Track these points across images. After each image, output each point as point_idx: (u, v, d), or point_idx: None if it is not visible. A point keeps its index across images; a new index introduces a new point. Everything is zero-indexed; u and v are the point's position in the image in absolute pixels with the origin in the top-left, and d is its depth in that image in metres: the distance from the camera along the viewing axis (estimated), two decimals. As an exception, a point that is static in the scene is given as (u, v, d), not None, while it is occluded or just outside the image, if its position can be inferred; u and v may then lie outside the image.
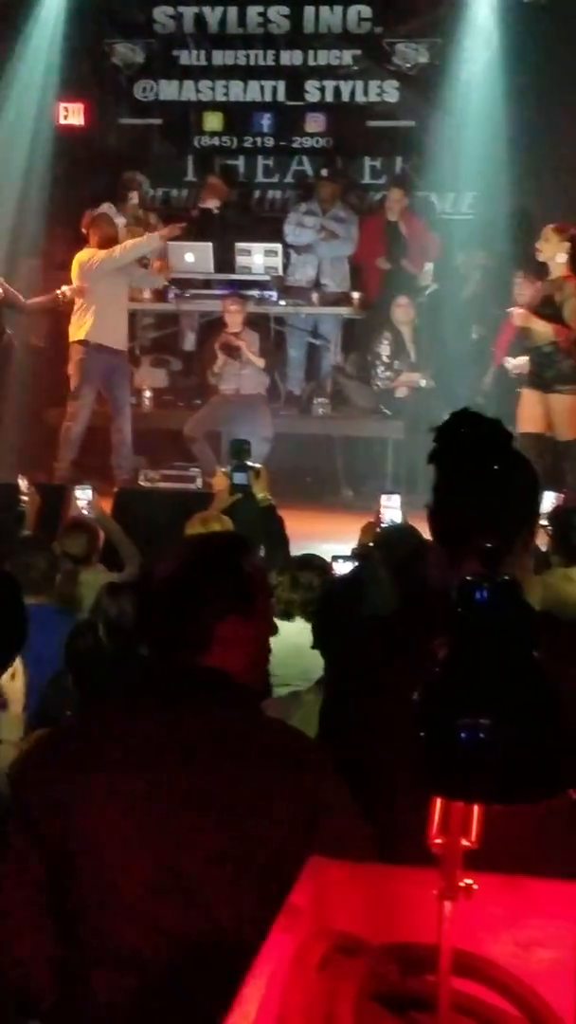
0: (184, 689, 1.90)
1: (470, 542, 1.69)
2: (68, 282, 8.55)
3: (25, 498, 5.87)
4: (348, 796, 1.84)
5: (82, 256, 8.60)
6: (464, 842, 1.22)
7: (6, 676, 3.20)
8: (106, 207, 9.45)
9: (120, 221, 9.75)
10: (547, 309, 7.26)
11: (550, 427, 7.54)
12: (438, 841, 1.22)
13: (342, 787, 1.84)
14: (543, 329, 7.19)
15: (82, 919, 1.81)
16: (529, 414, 7.57)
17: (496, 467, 1.89)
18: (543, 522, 4.96)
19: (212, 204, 10.20)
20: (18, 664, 3.36)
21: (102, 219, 8.87)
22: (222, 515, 5.09)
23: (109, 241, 8.65)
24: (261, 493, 5.78)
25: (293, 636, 3.81)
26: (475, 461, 1.89)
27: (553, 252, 7.15)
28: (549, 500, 5.19)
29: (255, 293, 9.55)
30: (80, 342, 8.53)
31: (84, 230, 8.86)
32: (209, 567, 1.99)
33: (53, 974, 1.82)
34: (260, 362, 9.14)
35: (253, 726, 1.93)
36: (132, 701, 1.96)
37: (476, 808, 1.22)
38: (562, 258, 7.13)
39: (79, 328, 8.54)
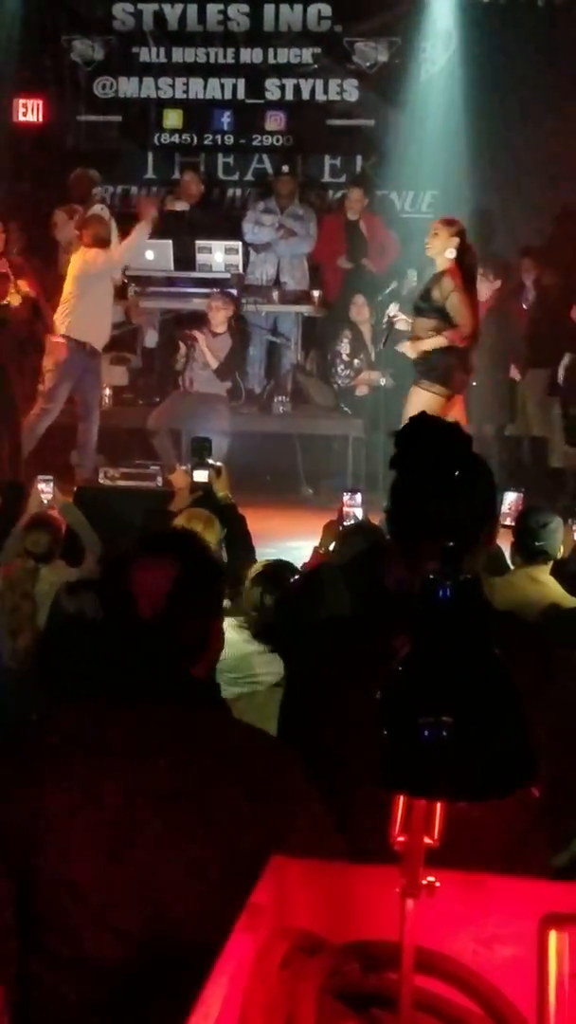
0: (151, 690, 1.88)
1: (431, 543, 1.71)
2: (24, 282, 8.38)
3: None
4: (318, 798, 1.83)
5: (86, 256, 8.48)
6: (426, 840, 1.22)
7: None
8: (99, 208, 9.39)
9: (65, 224, 9.72)
10: (426, 304, 7.28)
11: None
12: (400, 839, 1.22)
13: (312, 789, 1.84)
14: (436, 343, 7.17)
15: (46, 926, 1.79)
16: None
17: (456, 472, 1.91)
18: (507, 523, 4.99)
19: (183, 206, 10.13)
20: None
21: (95, 219, 8.82)
22: (210, 514, 5.06)
23: (102, 241, 8.58)
24: (222, 492, 5.76)
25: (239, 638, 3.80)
26: (436, 466, 1.91)
27: (443, 247, 7.17)
28: (509, 500, 5.21)
29: (215, 291, 9.53)
30: (64, 338, 8.47)
31: (76, 230, 8.81)
32: (206, 571, 1.97)
33: (9, 989, 1.80)
34: (213, 362, 9.12)
35: (222, 728, 1.92)
36: (97, 704, 1.94)
37: (438, 806, 1.22)
38: (451, 253, 7.15)
39: (63, 324, 8.48)
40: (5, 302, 7.96)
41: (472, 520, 1.94)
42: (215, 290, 9.35)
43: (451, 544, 1.34)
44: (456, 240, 7.12)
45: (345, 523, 5.22)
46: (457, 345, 7.11)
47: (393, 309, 7.60)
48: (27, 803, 1.80)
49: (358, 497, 5.65)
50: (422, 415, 1.98)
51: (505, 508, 5.08)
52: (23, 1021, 1.80)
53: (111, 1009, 1.77)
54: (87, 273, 8.47)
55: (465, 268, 7.21)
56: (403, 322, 7.47)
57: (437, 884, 1.23)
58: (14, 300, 7.99)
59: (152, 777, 1.80)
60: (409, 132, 10.27)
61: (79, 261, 8.55)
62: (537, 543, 4.60)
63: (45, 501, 5.67)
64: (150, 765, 1.80)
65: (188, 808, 1.78)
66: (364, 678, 1.28)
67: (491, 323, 8.95)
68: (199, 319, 9.33)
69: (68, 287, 8.55)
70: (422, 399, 7.25)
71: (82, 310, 8.46)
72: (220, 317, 9.13)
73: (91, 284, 8.49)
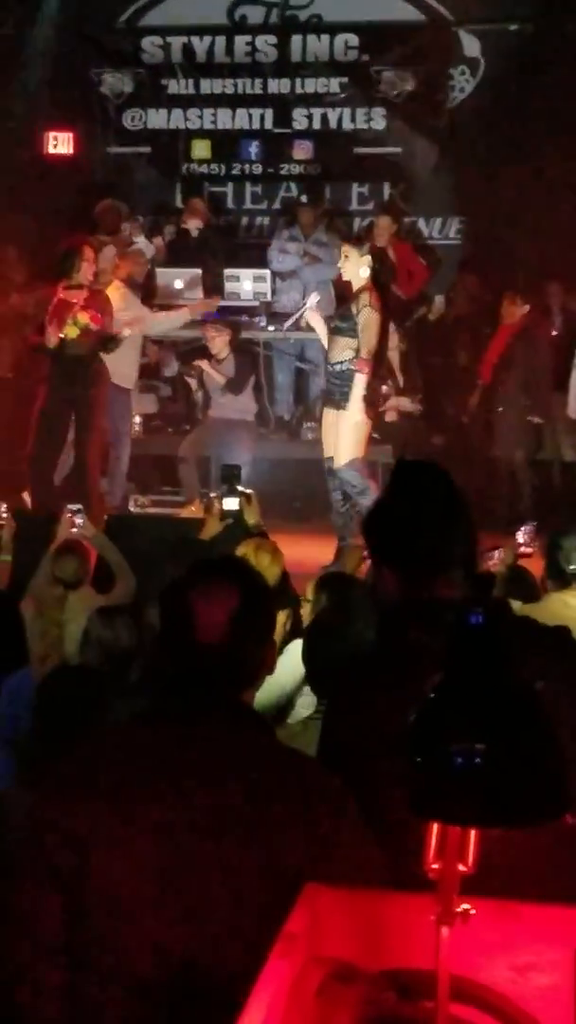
0: (203, 714, 1.90)
1: (420, 568, 2.07)
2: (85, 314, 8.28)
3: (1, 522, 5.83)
4: (362, 825, 1.84)
5: (114, 296, 8.42)
6: (460, 867, 1.22)
7: None
8: (142, 243, 9.40)
9: (109, 252, 9.77)
10: (343, 323, 7.32)
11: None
12: (435, 866, 1.22)
13: (356, 815, 1.84)
14: (356, 382, 7.23)
15: (94, 946, 1.81)
16: (331, 442, 7.55)
17: (445, 506, 2.18)
18: (522, 551, 4.97)
19: (193, 226, 10.21)
20: None
21: (137, 257, 8.80)
22: (276, 545, 5.06)
23: (133, 282, 8.55)
24: (253, 519, 5.76)
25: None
26: (426, 501, 2.17)
27: (355, 268, 7.24)
28: (525, 531, 5.15)
29: (243, 319, 9.58)
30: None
31: (117, 258, 8.77)
32: (263, 598, 2.00)
33: (61, 1006, 1.81)
34: (220, 379, 9.11)
35: (269, 752, 1.93)
36: (147, 726, 1.95)
37: (472, 833, 1.22)
38: (365, 271, 7.22)
39: None
40: (63, 334, 7.87)
41: (458, 547, 2.13)
42: (207, 320, 9.39)
43: (482, 574, 1.35)
44: (367, 259, 7.22)
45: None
46: (366, 372, 7.16)
47: (312, 301, 7.62)
48: (76, 823, 1.81)
49: None
50: (404, 463, 2.30)
51: (521, 539, 5.05)
52: None
53: None
54: (113, 316, 8.41)
55: (380, 288, 7.30)
56: (316, 318, 7.50)
57: (472, 912, 1.23)
58: (71, 332, 7.93)
59: (200, 800, 1.81)
60: (436, 159, 10.31)
61: (112, 299, 8.46)
62: (570, 567, 4.57)
63: (75, 531, 5.69)
64: (198, 787, 1.82)
65: (234, 831, 1.79)
66: (401, 709, 1.29)
67: (518, 347, 8.96)
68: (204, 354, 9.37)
69: None
70: (337, 419, 7.33)
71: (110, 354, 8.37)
72: (219, 344, 9.15)
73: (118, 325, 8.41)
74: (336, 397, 7.39)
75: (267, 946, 1.25)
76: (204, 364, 9.12)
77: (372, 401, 7.32)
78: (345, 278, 7.38)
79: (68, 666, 3.49)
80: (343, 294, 10.08)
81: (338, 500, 7.57)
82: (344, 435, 7.40)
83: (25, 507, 7.88)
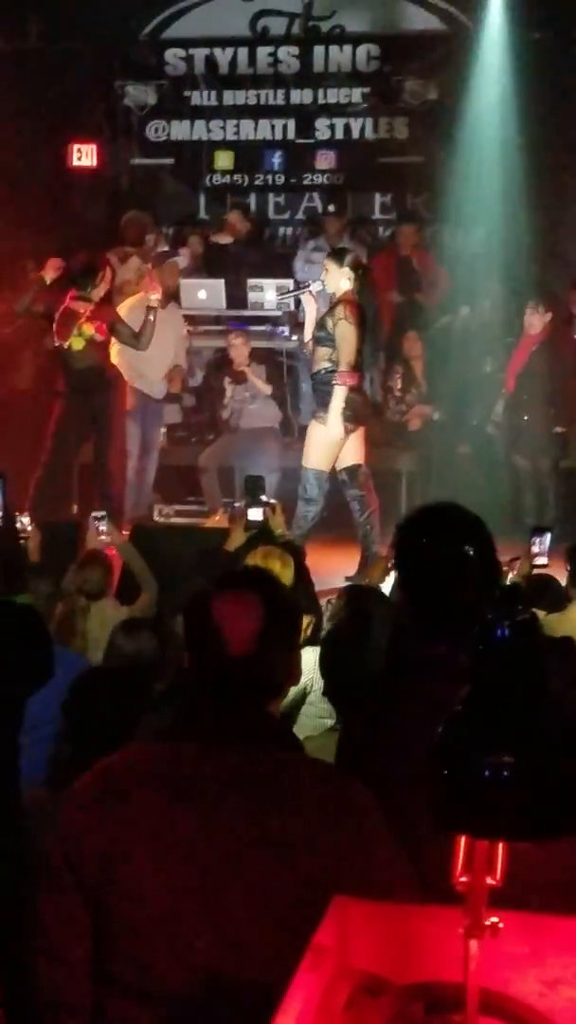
0: (231, 726, 1.90)
1: (451, 624, 2.01)
2: (91, 325, 8.31)
3: (25, 534, 5.84)
4: (391, 837, 1.83)
5: (134, 304, 8.45)
6: (489, 880, 1.22)
7: None
8: (183, 259, 9.39)
9: (134, 263, 9.81)
10: (322, 332, 7.37)
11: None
12: (463, 880, 1.22)
13: (385, 828, 1.84)
14: (342, 392, 7.26)
15: (118, 957, 1.81)
16: (316, 452, 7.57)
17: (470, 552, 2.14)
18: (538, 562, 4.95)
19: (225, 240, 10.25)
20: None
21: (172, 270, 8.76)
22: (284, 552, 5.05)
23: (167, 292, 8.51)
24: (279, 529, 5.76)
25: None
26: (448, 552, 2.14)
27: (336, 280, 7.29)
28: (541, 541, 5.12)
29: (267, 328, 9.60)
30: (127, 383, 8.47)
31: (151, 265, 8.77)
32: (288, 609, 2.00)
33: (86, 1021, 1.82)
34: (267, 388, 9.17)
35: (296, 764, 1.93)
36: (174, 739, 1.96)
37: (500, 846, 1.22)
38: (346, 284, 7.27)
39: (122, 368, 8.45)
40: (67, 345, 7.94)
41: (487, 591, 2.09)
42: (232, 329, 9.40)
43: (510, 584, 1.35)
44: (347, 271, 7.26)
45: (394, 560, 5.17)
46: (348, 384, 7.19)
47: (315, 287, 7.64)
48: (102, 836, 1.82)
49: None
50: (428, 508, 2.26)
51: (536, 548, 5.02)
52: None
53: None
54: (134, 323, 8.33)
55: (359, 302, 7.36)
56: (311, 304, 7.51)
57: (501, 925, 1.22)
58: (76, 343, 7.98)
59: (226, 814, 1.81)
60: (459, 168, 10.30)
61: (133, 307, 8.50)
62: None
63: (102, 539, 5.70)
64: (225, 801, 1.82)
65: (261, 844, 1.79)
66: (419, 722, 1.29)
67: (542, 355, 8.94)
68: (253, 356, 9.38)
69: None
70: (321, 433, 7.37)
71: (136, 357, 8.42)
72: (241, 353, 9.18)
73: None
74: (315, 406, 7.49)
75: (294, 960, 1.25)
76: (249, 372, 9.14)
77: (355, 416, 7.33)
78: (328, 290, 7.45)
79: (100, 668, 3.49)
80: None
81: (357, 510, 7.59)
82: (315, 444, 7.47)
83: (63, 517, 7.90)
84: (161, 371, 8.77)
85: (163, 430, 9.52)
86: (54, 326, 7.92)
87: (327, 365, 7.26)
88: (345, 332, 7.17)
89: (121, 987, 1.81)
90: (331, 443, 7.39)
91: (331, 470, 7.56)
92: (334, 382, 7.22)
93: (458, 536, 2.15)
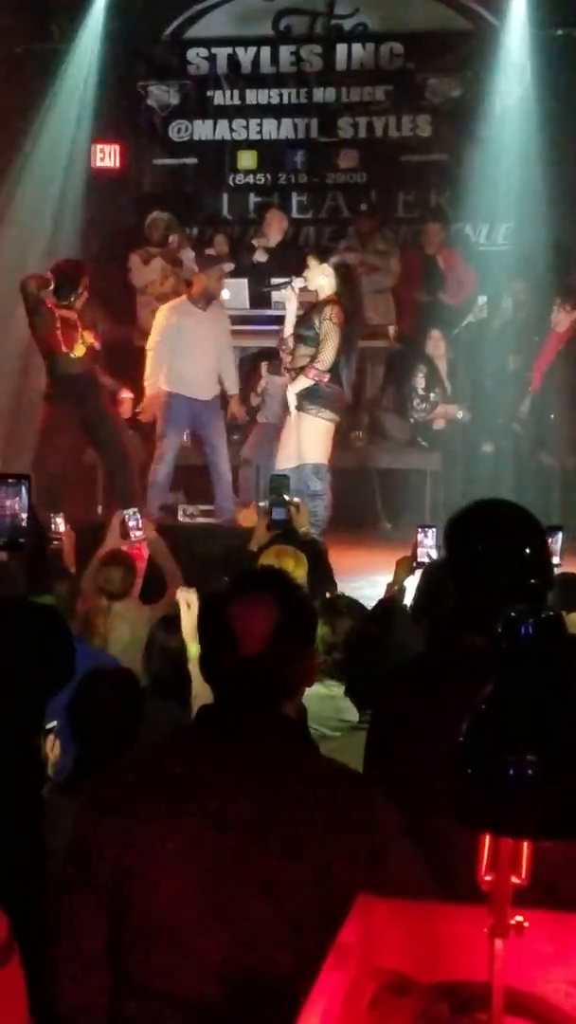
0: (245, 726, 1.90)
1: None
2: (89, 333, 8.22)
3: (59, 535, 5.87)
4: (406, 837, 1.83)
5: (180, 308, 8.44)
6: (514, 879, 1.21)
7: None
8: (227, 268, 9.41)
9: (157, 263, 9.82)
10: (308, 331, 7.36)
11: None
12: (488, 879, 1.22)
13: (400, 824, 1.84)
14: (304, 383, 7.38)
15: (136, 958, 1.81)
16: (291, 448, 7.68)
17: (526, 550, 2.11)
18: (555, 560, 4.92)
19: (275, 241, 10.15)
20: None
21: (218, 275, 8.80)
22: (297, 551, 5.05)
23: (208, 295, 8.48)
24: (303, 527, 5.76)
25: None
26: (504, 547, 2.12)
27: (316, 277, 7.33)
28: (556, 540, 5.08)
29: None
30: (152, 398, 8.41)
31: (194, 272, 8.78)
32: (303, 609, 2.00)
33: (104, 1020, 1.82)
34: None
35: (311, 763, 1.93)
36: (189, 739, 1.96)
37: (525, 845, 1.21)
38: (325, 282, 7.29)
39: (158, 376, 8.39)
40: (72, 352, 7.98)
41: (542, 586, 2.07)
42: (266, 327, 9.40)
43: (532, 581, 1.34)
44: (327, 268, 7.32)
45: (418, 560, 5.15)
46: (319, 380, 7.35)
47: (297, 283, 7.66)
48: (118, 836, 1.82)
49: (431, 534, 5.56)
50: (483, 503, 2.25)
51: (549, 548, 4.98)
52: None
53: None
54: (176, 327, 8.37)
55: (344, 302, 7.39)
56: (293, 301, 7.56)
57: (526, 924, 1.22)
58: (78, 351, 8.00)
59: (242, 814, 1.81)
60: (483, 165, 10.27)
61: (174, 307, 8.51)
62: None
63: (134, 536, 5.72)
64: (240, 802, 1.82)
65: (276, 844, 1.79)
66: (449, 718, 1.28)
67: (569, 354, 8.90)
68: (273, 356, 9.35)
69: (154, 336, 8.46)
70: (314, 426, 7.42)
71: (176, 362, 8.35)
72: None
73: (181, 334, 8.37)
74: (316, 403, 7.63)
75: (314, 959, 1.25)
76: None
77: (328, 405, 7.42)
78: (310, 288, 7.49)
79: (104, 669, 3.50)
80: (395, 301, 10.13)
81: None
82: (307, 437, 7.62)
83: (88, 517, 7.94)
84: (205, 373, 8.51)
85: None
86: (58, 334, 7.98)
87: (305, 362, 7.38)
88: (329, 333, 7.30)
89: (138, 989, 1.81)
90: (324, 433, 7.50)
91: (330, 461, 7.66)
92: (306, 374, 7.30)
93: (510, 529, 2.14)
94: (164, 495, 8.57)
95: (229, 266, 9.71)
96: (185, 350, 8.32)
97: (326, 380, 7.48)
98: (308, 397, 7.48)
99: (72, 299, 7.91)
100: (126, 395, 8.67)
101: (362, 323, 9.10)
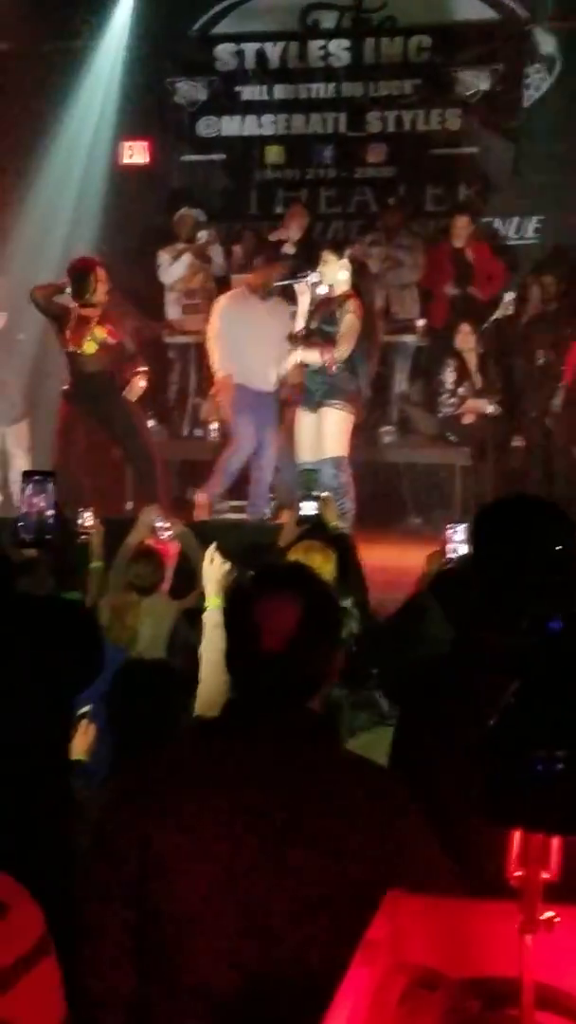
0: (270, 723, 1.90)
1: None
2: (103, 329, 8.24)
3: (87, 530, 5.88)
4: (429, 831, 1.83)
5: (241, 299, 8.49)
6: (544, 874, 1.21)
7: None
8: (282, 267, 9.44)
9: (186, 259, 9.83)
10: (330, 327, 7.34)
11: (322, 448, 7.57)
12: (517, 874, 1.21)
13: (423, 820, 1.84)
14: (314, 359, 7.33)
15: (163, 955, 1.82)
16: (308, 442, 7.65)
17: (558, 547, 2.08)
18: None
19: (296, 234, 10.14)
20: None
21: (278, 267, 8.74)
22: (325, 546, 5.04)
23: (264, 288, 8.46)
24: (332, 522, 5.75)
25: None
26: (535, 542, 2.09)
27: (334, 273, 7.27)
28: None
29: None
30: (226, 379, 8.44)
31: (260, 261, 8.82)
32: (327, 605, 1.99)
33: (128, 1018, 1.82)
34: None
35: (334, 760, 1.93)
36: (212, 735, 1.96)
37: (555, 840, 1.20)
38: (344, 276, 7.24)
39: (226, 362, 8.43)
40: (81, 350, 8.03)
41: (571, 584, 2.03)
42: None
43: (560, 575, 1.34)
44: (346, 263, 7.28)
45: (448, 555, 5.13)
46: (329, 368, 7.36)
47: (314, 277, 7.60)
48: (143, 833, 1.83)
49: (461, 529, 5.52)
50: (516, 497, 2.29)
51: None
52: None
53: None
54: (237, 315, 8.39)
55: (361, 294, 7.36)
56: (305, 295, 7.51)
57: (556, 919, 1.21)
58: (89, 348, 8.04)
59: (266, 809, 1.81)
60: (513, 159, 10.23)
61: (233, 296, 8.54)
62: None
63: (167, 534, 5.74)
64: (265, 797, 1.82)
65: (298, 839, 1.79)
66: (475, 715, 1.28)
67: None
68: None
69: (217, 324, 8.53)
70: (335, 418, 7.41)
71: (238, 352, 8.38)
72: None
73: (240, 323, 8.38)
74: (337, 397, 7.60)
75: (340, 954, 1.25)
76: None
77: (343, 394, 7.49)
78: (326, 283, 7.46)
79: (140, 660, 3.51)
80: (422, 295, 10.10)
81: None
82: (326, 431, 7.63)
83: (118, 513, 7.97)
84: (268, 361, 8.37)
85: (214, 427, 9.39)
86: (67, 332, 8.05)
87: (320, 362, 7.39)
88: (351, 326, 7.27)
89: (168, 984, 1.82)
90: (344, 426, 7.51)
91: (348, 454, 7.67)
92: (320, 356, 7.34)
93: (539, 525, 2.11)
94: (230, 483, 8.53)
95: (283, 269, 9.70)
96: (248, 340, 8.34)
97: (334, 370, 7.45)
98: (328, 391, 7.46)
99: (87, 295, 7.94)
100: (141, 368, 8.62)
101: (382, 317, 9.10)
